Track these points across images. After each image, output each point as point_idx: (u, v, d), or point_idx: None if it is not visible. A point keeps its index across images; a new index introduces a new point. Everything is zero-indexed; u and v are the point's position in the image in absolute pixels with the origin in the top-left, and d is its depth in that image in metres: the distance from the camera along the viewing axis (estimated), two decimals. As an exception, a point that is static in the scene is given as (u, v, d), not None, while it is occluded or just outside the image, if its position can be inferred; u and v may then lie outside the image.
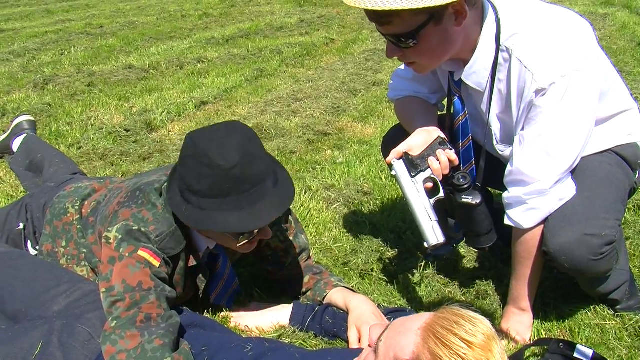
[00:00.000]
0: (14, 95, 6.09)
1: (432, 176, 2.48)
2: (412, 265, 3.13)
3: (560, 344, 2.40)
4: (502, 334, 2.62)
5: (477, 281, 3.00)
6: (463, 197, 2.48)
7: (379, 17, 2.19)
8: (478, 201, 2.47)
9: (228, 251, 2.64)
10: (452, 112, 2.62)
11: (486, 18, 2.34)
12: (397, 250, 3.30)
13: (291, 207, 2.77)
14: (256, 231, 2.36)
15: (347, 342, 2.51)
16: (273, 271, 2.89)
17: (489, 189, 3.16)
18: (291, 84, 6.68)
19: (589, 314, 2.73)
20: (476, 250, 3.24)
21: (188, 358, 2.16)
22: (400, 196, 3.85)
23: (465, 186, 2.48)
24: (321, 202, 3.81)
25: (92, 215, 2.67)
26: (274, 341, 2.43)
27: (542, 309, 2.76)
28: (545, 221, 2.39)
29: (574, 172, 2.39)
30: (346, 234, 3.50)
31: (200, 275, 2.60)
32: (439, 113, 2.81)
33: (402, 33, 2.23)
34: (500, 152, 2.56)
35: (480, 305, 2.83)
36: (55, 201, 2.83)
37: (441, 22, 2.20)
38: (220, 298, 2.75)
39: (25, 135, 4.20)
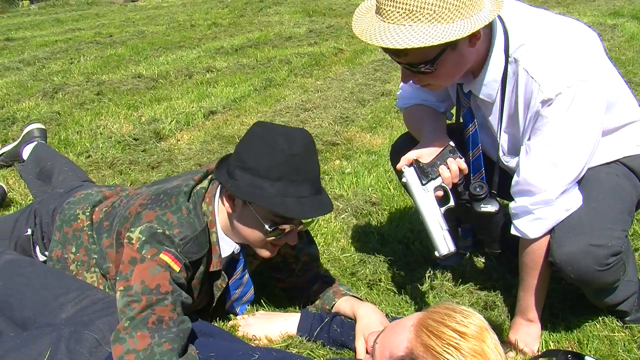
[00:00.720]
0: (24, 104, 6.12)
1: (443, 184, 2.48)
2: (420, 275, 3.13)
3: (569, 356, 2.39)
4: (510, 345, 2.62)
5: (485, 292, 3.00)
6: (482, 205, 2.50)
7: (395, 51, 2.19)
8: (497, 209, 2.51)
9: (246, 259, 2.66)
10: (461, 122, 2.63)
11: (495, 30, 2.34)
12: (405, 260, 3.30)
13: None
14: (287, 229, 2.41)
15: (355, 351, 2.51)
16: (282, 278, 2.90)
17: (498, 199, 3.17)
18: (300, 93, 6.69)
19: (598, 326, 2.72)
20: (484, 261, 3.25)
21: None
22: (409, 206, 3.85)
23: (483, 195, 2.50)
24: (329, 213, 3.81)
25: (106, 219, 2.68)
26: (282, 351, 2.43)
27: (550, 320, 2.75)
28: (551, 231, 2.39)
29: (580, 183, 2.39)
30: (354, 244, 3.50)
31: (219, 281, 2.61)
32: (447, 122, 2.81)
33: (419, 62, 2.24)
34: (505, 163, 2.56)
35: (488, 317, 2.82)
36: (65, 207, 2.84)
37: (457, 47, 2.21)
38: (234, 306, 2.76)
39: (35, 143, 4.21)
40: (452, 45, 2.18)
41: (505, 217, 2.58)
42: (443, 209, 2.48)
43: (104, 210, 2.74)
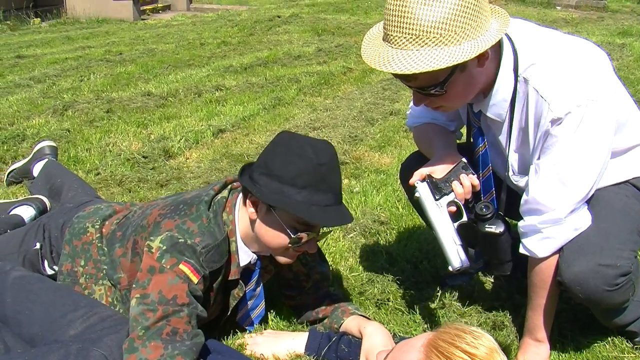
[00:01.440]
0: (34, 121, 6.13)
1: (456, 200, 2.49)
2: (428, 295, 3.13)
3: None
4: (519, 365, 2.61)
5: (493, 312, 2.99)
6: (487, 226, 2.49)
7: (405, 76, 2.20)
8: (501, 230, 2.49)
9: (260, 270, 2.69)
10: (471, 141, 2.63)
11: (503, 50, 2.35)
12: (413, 280, 3.29)
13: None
14: (307, 238, 2.45)
15: (361, 371, 2.51)
16: (292, 295, 2.91)
17: (507, 219, 3.16)
18: (309, 112, 6.70)
19: (607, 346, 2.71)
20: (492, 281, 3.24)
21: None
22: (417, 226, 3.85)
23: (489, 215, 2.49)
24: (337, 231, 3.81)
25: (119, 230, 2.69)
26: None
27: (559, 340, 2.74)
28: (560, 251, 2.38)
29: (590, 203, 2.39)
30: (362, 264, 3.49)
31: (236, 290, 2.63)
32: (457, 141, 2.82)
33: (429, 85, 2.25)
34: (515, 182, 2.56)
35: (497, 337, 2.81)
36: (74, 221, 2.85)
37: (466, 68, 2.23)
38: (245, 319, 2.77)
39: (46, 160, 4.23)
40: (460, 67, 2.19)
41: (512, 239, 2.58)
42: (456, 224, 2.49)
43: (116, 222, 2.75)
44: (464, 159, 2.57)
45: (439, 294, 3.11)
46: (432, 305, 3.05)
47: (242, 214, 2.52)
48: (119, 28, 13.92)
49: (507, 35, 2.36)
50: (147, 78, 8.23)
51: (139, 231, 2.53)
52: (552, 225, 2.33)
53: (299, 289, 2.88)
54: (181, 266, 2.27)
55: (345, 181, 4.76)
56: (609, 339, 2.74)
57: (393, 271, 3.35)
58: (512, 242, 2.54)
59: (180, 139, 5.62)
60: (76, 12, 16.28)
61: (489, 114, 2.47)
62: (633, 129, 2.49)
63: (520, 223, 2.44)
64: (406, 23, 2.10)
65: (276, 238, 2.45)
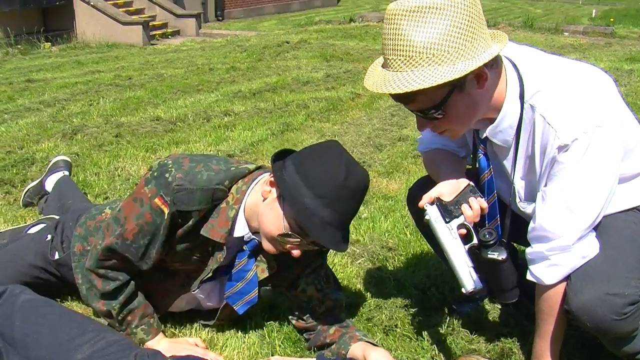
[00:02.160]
0: (43, 145, 6.16)
1: (465, 223, 2.49)
2: (436, 321, 3.12)
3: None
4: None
5: (501, 338, 2.98)
6: (489, 253, 2.49)
7: (402, 98, 2.23)
8: (504, 257, 2.48)
9: (257, 256, 2.73)
10: (477, 167, 2.64)
11: (508, 76, 2.36)
12: (421, 306, 3.28)
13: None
14: (293, 240, 2.48)
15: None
16: (302, 319, 2.92)
17: (514, 244, 3.16)
18: (317, 138, 6.69)
19: (615, 375, 2.70)
20: (500, 307, 3.23)
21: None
22: (425, 252, 3.85)
23: (492, 242, 2.49)
24: (345, 257, 3.81)
25: None
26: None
27: (567, 368, 2.73)
28: (567, 279, 2.38)
29: (597, 230, 2.38)
30: (370, 290, 3.49)
31: (219, 255, 2.65)
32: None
33: (428, 107, 2.26)
34: (522, 209, 2.56)
35: (505, 363, 2.81)
36: (92, 210, 2.99)
37: (464, 89, 2.23)
38: (235, 300, 2.78)
39: (61, 175, 4.28)
40: (458, 88, 2.21)
41: (519, 266, 2.57)
42: (467, 246, 2.48)
43: None
44: (471, 183, 2.58)
45: (447, 320, 3.10)
46: (440, 332, 3.05)
47: (257, 189, 2.58)
48: (129, 53, 14.00)
49: (511, 62, 2.37)
50: (156, 103, 8.26)
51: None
52: (559, 252, 2.33)
53: (311, 313, 2.88)
54: (156, 200, 2.44)
55: (353, 207, 4.75)
56: (618, 367, 2.73)
57: (401, 297, 3.34)
58: (518, 270, 2.54)
59: (189, 164, 5.61)
60: (86, 36, 16.44)
61: (495, 140, 2.48)
62: (641, 155, 2.49)
63: (528, 250, 2.43)
64: (400, 45, 2.14)
65: (270, 224, 2.48)
